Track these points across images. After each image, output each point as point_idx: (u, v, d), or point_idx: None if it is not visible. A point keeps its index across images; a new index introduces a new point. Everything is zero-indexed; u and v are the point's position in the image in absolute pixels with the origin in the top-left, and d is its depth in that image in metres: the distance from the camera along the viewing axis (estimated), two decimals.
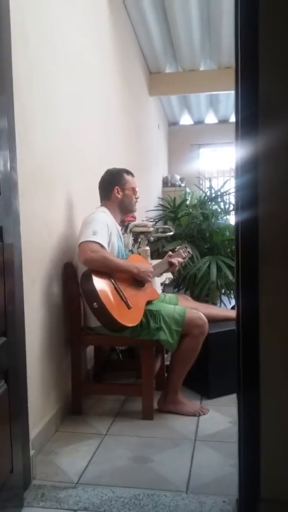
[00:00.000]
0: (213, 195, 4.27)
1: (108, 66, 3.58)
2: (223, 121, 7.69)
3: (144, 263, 2.54)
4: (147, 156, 5.70)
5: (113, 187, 2.55)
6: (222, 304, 3.82)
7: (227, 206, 4.14)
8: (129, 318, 2.24)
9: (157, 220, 4.31)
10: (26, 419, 1.80)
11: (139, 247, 2.97)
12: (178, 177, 7.24)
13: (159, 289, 3.07)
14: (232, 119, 7.49)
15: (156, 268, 2.63)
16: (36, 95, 2.09)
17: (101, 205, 2.58)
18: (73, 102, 2.64)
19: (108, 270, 2.26)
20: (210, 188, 4.49)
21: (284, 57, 1.40)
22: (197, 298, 3.37)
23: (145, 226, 2.97)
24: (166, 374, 2.63)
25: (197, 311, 2.46)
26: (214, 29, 4.64)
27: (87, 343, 2.61)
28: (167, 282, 3.62)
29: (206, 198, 4.27)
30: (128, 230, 2.97)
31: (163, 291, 3.39)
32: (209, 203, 4.19)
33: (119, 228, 2.62)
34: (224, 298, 3.86)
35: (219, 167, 8.01)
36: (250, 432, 1.52)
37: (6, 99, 1.63)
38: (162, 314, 2.37)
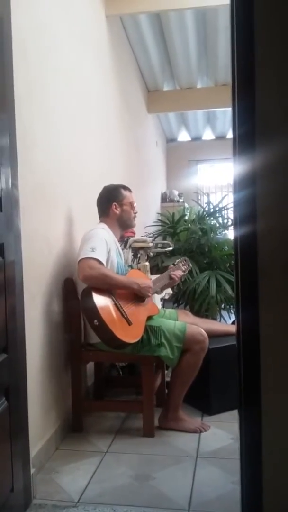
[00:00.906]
0: (212, 210, 4.30)
1: (107, 84, 3.64)
2: (220, 137, 7.78)
3: (143, 278, 2.54)
4: (145, 172, 5.75)
5: (111, 203, 2.56)
6: (222, 319, 3.82)
7: (225, 221, 4.17)
8: (131, 335, 2.24)
9: (156, 235, 4.33)
10: (26, 437, 1.78)
11: (138, 263, 2.98)
12: (176, 192, 7.29)
13: (159, 304, 3.07)
14: (229, 135, 7.57)
15: (156, 283, 2.63)
16: (37, 113, 2.12)
17: (100, 222, 2.59)
18: (73, 120, 2.67)
19: (107, 287, 2.26)
20: (208, 203, 4.52)
21: (280, 74, 1.43)
22: (196, 313, 3.36)
23: (144, 241, 2.97)
24: (166, 391, 2.62)
25: (197, 326, 2.46)
26: (210, 48, 4.73)
27: (87, 360, 2.59)
28: (166, 297, 3.61)
29: (204, 213, 4.29)
30: (128, 245, 2.97)
31: (163, 306, 3.39)
32: (208, 218, 4.22)
33: (119, 244, 2.63)
34: (224, 312, 3.86)
35: (216, 183, 8.07)
36: (252, 448, 1.50)
37: (8, 117, 1.66)
38: (162, 329, 2.37)
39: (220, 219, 4.21)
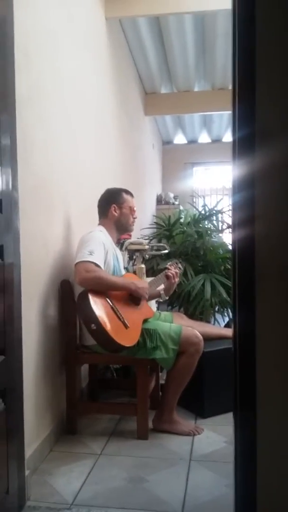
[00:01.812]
0: (207, 213, 4.32)
1: (106, 87, 3.65)
2: (216, 141, 7.81)
3: (139, 281, 2.55)
4: (142, 174, 5.76)
5: (111, 205, 2.57)
6: (215, 322, 3.83)
7: (220, 224, 4.19)
8: (127, 338, 2.24)
9: (151, 238, 4.34)
10: (22, 438, 1.78)
11: (134, 265, 2.98)
12: (172, 195, 7.30)
13: (154, 307, 3.08)
14: (225, 138, 7.62)
15: (152, 285, 2.64)
16: (37, 115, 2.13)
17: (99, 224, 2.60)
18: (72, 122, 2.67)
19: (104, 289, 2.27)
20: (204, 206, 4.54)
21: (280, 77, 1.44)
22: (191, 315, 3.37)
23: (140, 244, 2.98)
24: (160, 393, 2.62)
25: (193, 328, 2.47)
26: (208, 52, 4.75)
27: (82, 362, 2.60)
28: (161, 300, 3.62)
29: (200, 216, 4.31)
30: (123, 247, 2.98)
31: (158, 308, 3.40)
32: (203, 221, 4.23)
33: (116, 247, 2.63)
34: (218, 316, 3.87)
35: (212, 185, 8.10)
36: (246, 452, 1.51)
37: (9, 118, 1.66)
38: (158, 332, 2.37)
39: (215, 222, 4.23)
